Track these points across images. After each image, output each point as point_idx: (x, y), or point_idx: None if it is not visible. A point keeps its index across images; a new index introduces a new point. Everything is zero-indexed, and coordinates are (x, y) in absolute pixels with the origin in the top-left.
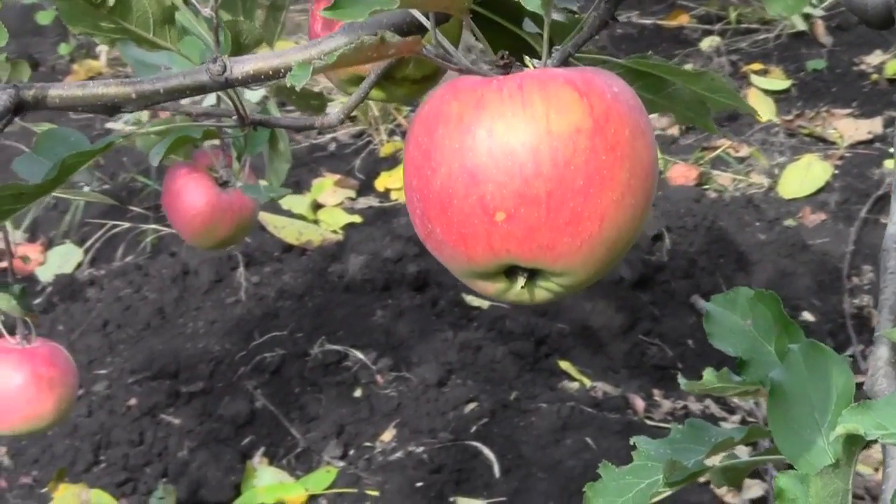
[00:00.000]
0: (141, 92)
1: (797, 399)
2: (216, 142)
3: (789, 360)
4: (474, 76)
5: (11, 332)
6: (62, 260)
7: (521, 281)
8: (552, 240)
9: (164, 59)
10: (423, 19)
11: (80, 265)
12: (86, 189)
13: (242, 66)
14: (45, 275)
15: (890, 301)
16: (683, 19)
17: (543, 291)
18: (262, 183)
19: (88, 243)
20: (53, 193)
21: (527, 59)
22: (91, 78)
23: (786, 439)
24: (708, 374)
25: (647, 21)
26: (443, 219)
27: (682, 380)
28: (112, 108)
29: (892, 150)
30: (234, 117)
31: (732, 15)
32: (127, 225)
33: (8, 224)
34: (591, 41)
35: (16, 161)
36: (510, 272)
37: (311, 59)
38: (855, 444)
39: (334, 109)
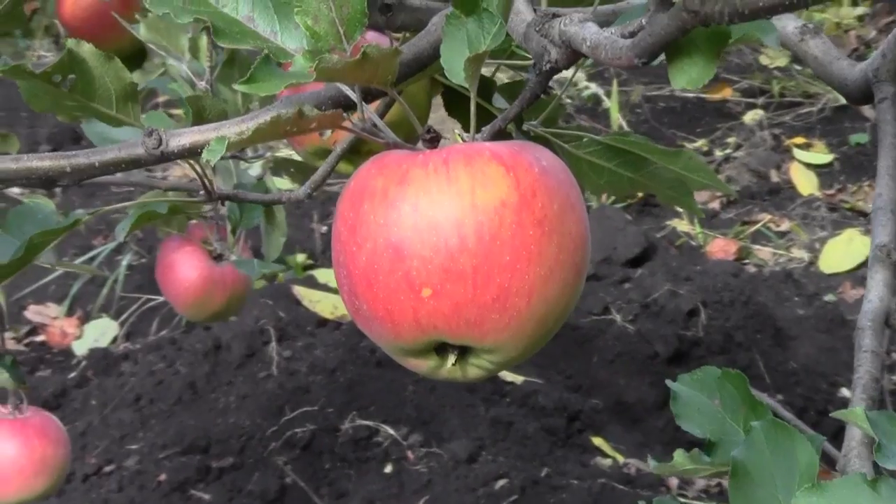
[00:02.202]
0: (76, 166)
1: (760, 479)
2: (211, 214)
3: (751, 439)
4: (401, 150)
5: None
6: (98, 334)
7: (451, 358)
8: (479, 316)
9: (128, 134)
10: (350, 93)
11: (115, 339)
12: (123, 263)
13: (178, 139)
14: (81, 348)
15: (864, 380)
16: (727, 92)
17: (475, 369)
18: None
19: (124, 317)
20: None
21: (456, 132)
22: None
23: None
24: (678, 455)
25: (690, 94)
26: (369, 294)
27: (651, 462)
28: (47, 181)
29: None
30: (202, 192)
31: (776, 88)
32: (162, 299)
33: (1, 299)
34: (633, 113)
35: None
36: (441, 349)
37: (241, 133)
38: None
39: None
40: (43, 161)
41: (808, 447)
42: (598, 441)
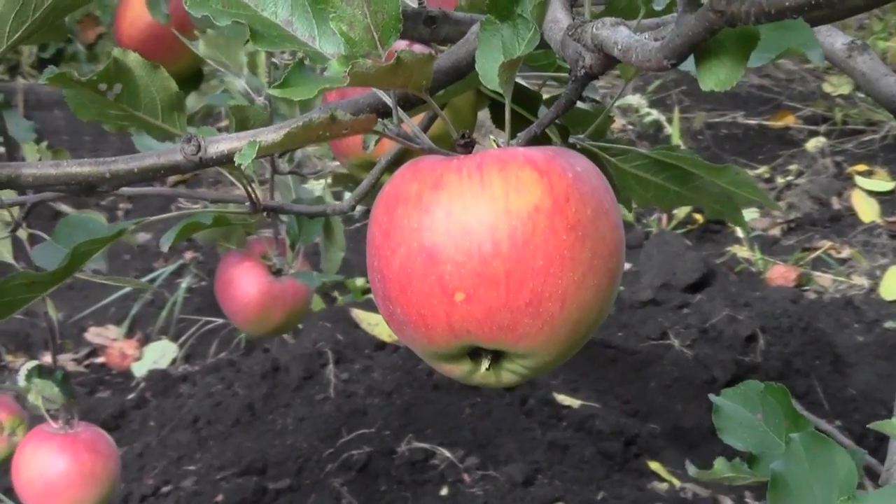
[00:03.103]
0: (115, 172)
1: (799, 491)
2: (270, 230)
3: (791, 451)
4: (436, 156)
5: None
6: (157, 355)
7: (485, 363)
8: (512, 321)
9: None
10: (386, 99)
11: (174, 361)
12: (182, 285)
13: (217, 145)
14: (140, 370)
15: None
16: (789, 120)
17: (509, 374)
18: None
19: (183, 339)
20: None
21: (491, 138)
22: None
23: None
24: (719, 463)
25: (753, 121)
26: (403, 299)
27: (690, 467)
28: (87, 187)
29: None
30: (247, 203)
31: (838, 116)
32: (221, 321)
33: (52, 313)
34: (695, 139)
35: (34, 249)
36: (474, 354)
37: (275, 137)
38: None
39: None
40: (83, 167)
41: (847, 460)
42: (654, 465)
